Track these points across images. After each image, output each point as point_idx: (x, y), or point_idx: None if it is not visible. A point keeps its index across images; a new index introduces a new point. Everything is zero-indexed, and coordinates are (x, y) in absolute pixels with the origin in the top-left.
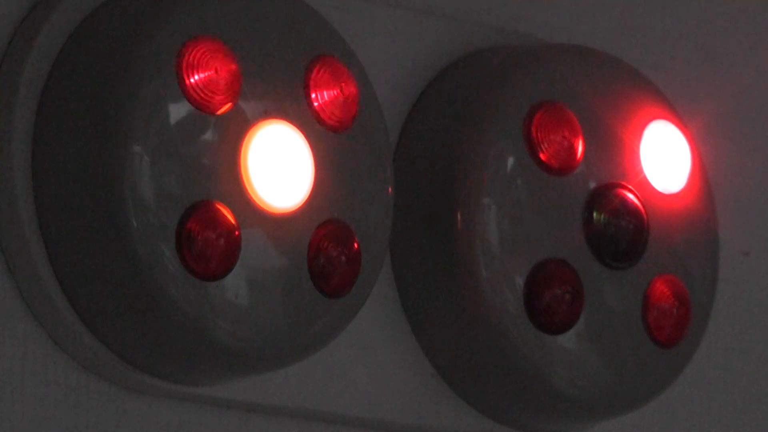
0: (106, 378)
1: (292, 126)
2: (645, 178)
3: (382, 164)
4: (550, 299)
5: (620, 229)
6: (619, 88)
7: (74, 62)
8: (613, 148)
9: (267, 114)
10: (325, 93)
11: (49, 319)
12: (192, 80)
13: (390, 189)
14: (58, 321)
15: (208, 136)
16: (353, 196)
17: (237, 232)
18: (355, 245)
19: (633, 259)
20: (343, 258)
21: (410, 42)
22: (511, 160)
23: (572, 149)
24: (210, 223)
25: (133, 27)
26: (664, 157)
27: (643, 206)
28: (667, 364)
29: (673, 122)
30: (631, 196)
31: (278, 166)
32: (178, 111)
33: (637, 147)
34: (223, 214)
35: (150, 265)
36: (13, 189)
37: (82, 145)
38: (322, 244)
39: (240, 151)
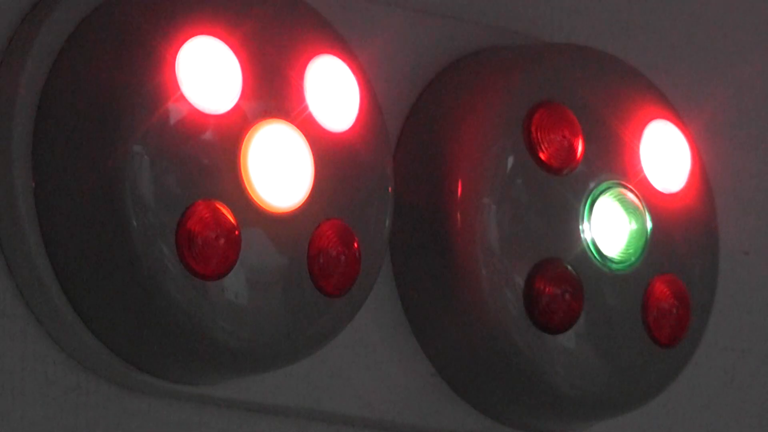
0: (106, 378)
1: (292, 126)
2: (645, 177)
3: (382, 164)
4: (550, 299)
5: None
6: (619, 88)
7: (74, 62)
8: (613, 147)
9: (267, 114)
10: (325, 93)
11: (49, 319)
12: (192, 80)
13: (390, 189)
14: (58, 321)
15: (208, 136)
16: (353, 196)
17: (237, 232)
18: (355, 245)
19: (633, 258)
20: (343, 258)
21: (410, 42)
22: (511, 160)
23: (572, 149)
24: (210, 223)
25: (133, 27)
26: (664, 157)
27: (643, 206)
28: (667, 364)
29: (673, 122)
30: (631, 195)
31: (278, 166)
32: (178, 111)
33: (637, 147)
34: (223, 214)
35: (150, 264)
36: (13, 189)
37: (82, 144)
38: (321, 244)
39: (240, 151)
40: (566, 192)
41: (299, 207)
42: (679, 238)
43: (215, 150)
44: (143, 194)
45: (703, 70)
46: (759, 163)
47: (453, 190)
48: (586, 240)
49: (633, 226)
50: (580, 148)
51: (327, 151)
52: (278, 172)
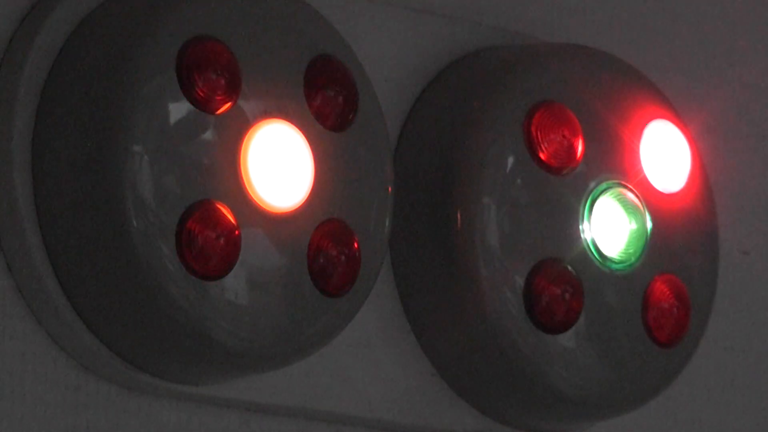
0: (106, 378)
1: (292, 126)
2: (645, 177)
3: (382, 164)
4: (550, 299)
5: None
6: (619, 88)
7: (74, 62)
8: (613, 147)
9: (267, 114)
10: (325, 93)
11: (49, 318)
12: (192, 80)
13: (390, 189)
14: (58, 321)
15: (208, 135)
16: (353, 196)
17: (237, 232)
18: (355, 245)
19: (633, 258)
20: (343, 257)
21: (410, 42)
22: (511, 160)
23: (572, 149)
24: (210, 223)
25: (134, 27)
26: (664, 157)
27: (643, 206)
28: (667, 364)
29: (673, 122)
30: (631, 195)
31: (278, 166)
32: (178, 111)
33: (637, 146)
34: (223, 214)
35: (150, 264)
36: (13, 189)
37: (82, 144)
38: (322, 243)
39: (240, 151)
40: (566, 192)
41: (299, 207)
42: (679, 238)
43: (215, 150)
44: (143, 194)
45: (703, 70)
46: (759, 163)
47: (453, 190)
48: (586, 240)
49: (633, 225)
50: (580, 148)
51: (327, 151)
52: (278, 172)
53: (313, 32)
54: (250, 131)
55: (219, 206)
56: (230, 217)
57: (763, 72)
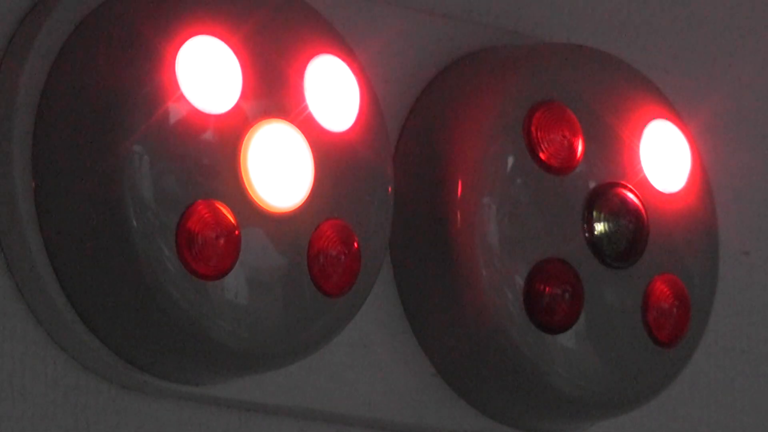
0: (106, 378)
1: (292, 126)
2: (645, 177)
3: (382, 164)
4: (550, 299)
5: (620, 229)
6: (619, 87)
7: (74, 62)
8: (613, 147)
9: (267, 114)
10: (324, 92)
11: (49, 318)
12: (192, 80)
13: (390, 189)
14: (58, 321)
15: (208, 135)
16: (353, 196)
17: (237, 232)
18: (355, 245)
19: (633, 258)
20: (343, 257)
21: (410, 42)
22: (510, 160)
23: (572, 149)
24: (210, 223)
25: (134, 27)
26: (664, 157)
27: (643, 206)
28: (667, 363)
29: (673, 121)
30: (631, 195)
31: (278, 166)
32: (178, 111)
33: (637, 146)
34: (223, 214)
35: (150, 264)
36: (13, 189)
37: (82, 144)
38: (321, 243)
39: (240, 151)
40: (566, 192)
41: (299, 207)
42: (679, 238)
43: (215, 150)
44: (143, 194)
45: (703, 70)
46: (759, 163)
47: (453, 190)
48: (586, 240)
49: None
50: (580, 148)
51: (327, 151)
52: (278, 172)
53: (313, 32)
54: (250, 131)
55: (219, 206)
56: (230, 217)
57: (763, 72)
